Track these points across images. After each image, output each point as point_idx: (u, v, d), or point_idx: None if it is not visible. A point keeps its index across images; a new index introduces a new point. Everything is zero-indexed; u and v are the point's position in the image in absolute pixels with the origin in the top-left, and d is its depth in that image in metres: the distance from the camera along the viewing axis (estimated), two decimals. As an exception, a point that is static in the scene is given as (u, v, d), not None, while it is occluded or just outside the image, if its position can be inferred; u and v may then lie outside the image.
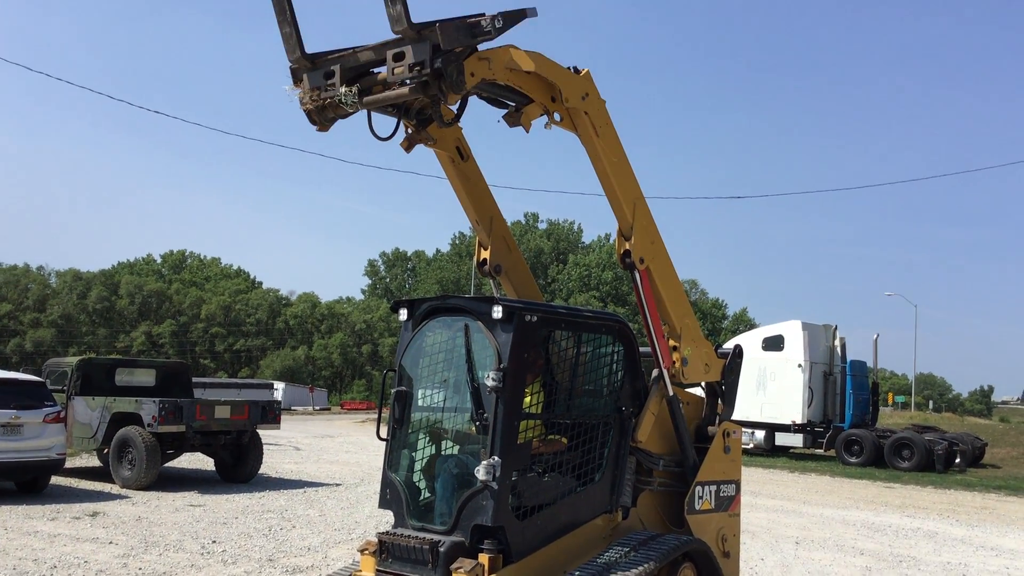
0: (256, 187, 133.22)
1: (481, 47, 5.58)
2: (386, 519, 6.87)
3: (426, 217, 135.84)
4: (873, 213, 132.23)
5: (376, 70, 5.74)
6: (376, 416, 6.95)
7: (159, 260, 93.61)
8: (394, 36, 5.47)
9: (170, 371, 18.63)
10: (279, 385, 56.32)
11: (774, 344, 28.08)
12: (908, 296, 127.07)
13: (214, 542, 10.86)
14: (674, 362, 6.80)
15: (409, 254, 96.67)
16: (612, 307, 67.28)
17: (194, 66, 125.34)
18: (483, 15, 5.48)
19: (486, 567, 5.64)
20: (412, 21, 5.31)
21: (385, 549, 5.96)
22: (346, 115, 5.88)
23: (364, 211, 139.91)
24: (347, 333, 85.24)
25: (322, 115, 5.87)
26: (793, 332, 27.88)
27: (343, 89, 5.65)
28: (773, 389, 27.57)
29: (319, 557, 10.24)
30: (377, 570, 5.96)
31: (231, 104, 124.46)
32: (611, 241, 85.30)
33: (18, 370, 19.80)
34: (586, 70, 6.27)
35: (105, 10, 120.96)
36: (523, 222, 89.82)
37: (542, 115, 6.21)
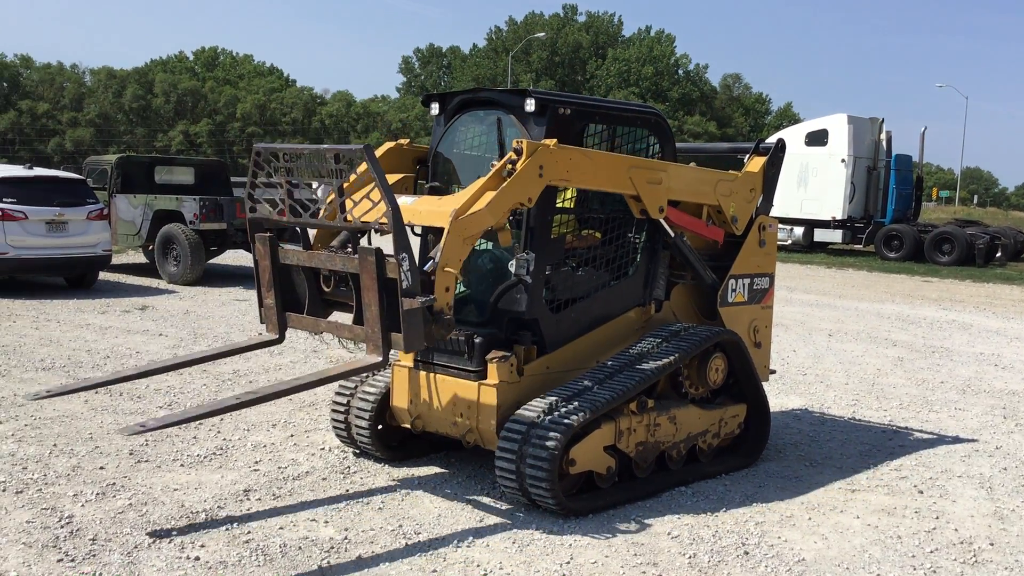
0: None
1: None
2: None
3: (459, 9, 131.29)
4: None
5: None
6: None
7: (191, 57, 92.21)
8: None
9: (208, 169, 18.69)
10: (317, 185, 56.48)
11: (817, 139, 27.44)
12: (960, 88, 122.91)
13: (260, 334, 11.19)
14: (725, 223, 6.68)
15: (444, 50, 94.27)
16: (652, 103, 65.75)
17: None
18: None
19: (520, 357, 5.75)
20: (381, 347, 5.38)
21: (422, 341, 6.07)
22: None
23: (396, 4, 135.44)
24: (383, 132, 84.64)
25: None
26: (838, 126, 27.18)
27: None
28: (814, 185, 27.18)
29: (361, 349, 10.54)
30: (416, 360, 6.11)
31: None
32: (651, 34, 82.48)
33: (59, 169, 19.98)
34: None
35: None
36: (561, 15, 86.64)
37: None
